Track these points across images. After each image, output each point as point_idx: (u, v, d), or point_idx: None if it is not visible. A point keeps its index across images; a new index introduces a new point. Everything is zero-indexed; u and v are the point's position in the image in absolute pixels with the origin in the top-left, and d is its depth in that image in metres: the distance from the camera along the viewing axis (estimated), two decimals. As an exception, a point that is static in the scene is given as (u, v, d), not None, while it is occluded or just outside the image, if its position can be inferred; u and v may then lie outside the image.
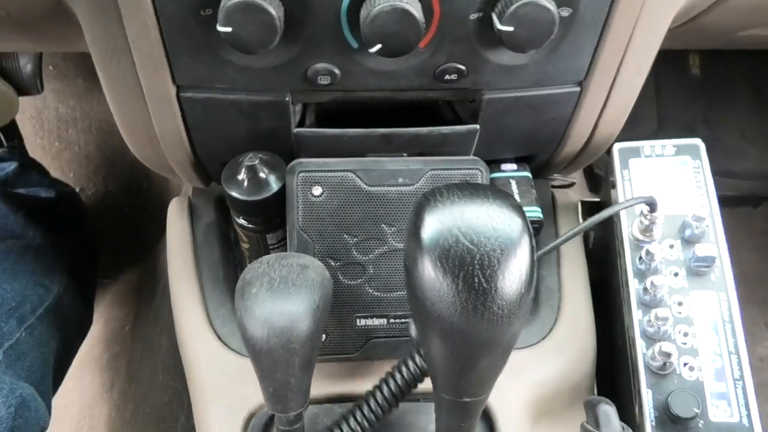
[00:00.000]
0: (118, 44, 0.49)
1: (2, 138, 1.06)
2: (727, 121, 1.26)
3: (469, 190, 0.39)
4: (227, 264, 0.66)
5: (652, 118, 1.27)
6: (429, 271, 0.36)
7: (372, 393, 0.47)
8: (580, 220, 0.73)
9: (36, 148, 1.34)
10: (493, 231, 0.36)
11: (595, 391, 0.68)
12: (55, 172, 1.30)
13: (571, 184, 0.83)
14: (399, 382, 0.46)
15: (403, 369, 0.46)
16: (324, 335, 0.55)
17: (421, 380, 0.47)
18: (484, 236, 0.36)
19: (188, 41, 0.48)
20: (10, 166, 0.98)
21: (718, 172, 1.26)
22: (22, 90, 1.05)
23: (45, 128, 1.37)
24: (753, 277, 1.26)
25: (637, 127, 1.25)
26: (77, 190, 1.31)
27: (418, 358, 0.46)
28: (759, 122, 1.25)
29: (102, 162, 1.35)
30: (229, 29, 0.44)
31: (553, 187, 0.77)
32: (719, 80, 1.28)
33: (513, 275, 0.36)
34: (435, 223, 0.37)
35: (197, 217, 0.69)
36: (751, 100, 1.26)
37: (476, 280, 0.36)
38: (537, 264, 0.69)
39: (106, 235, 1.25)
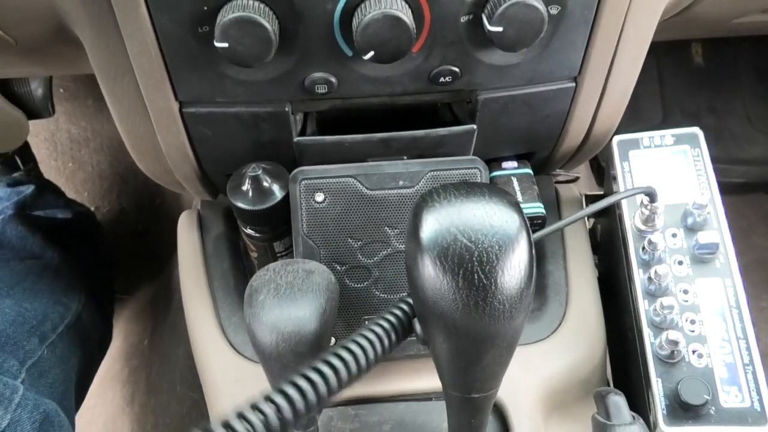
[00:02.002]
0: (121, 64, 0.50)
1: (19, 161, 1.09)
2: (732, 109, 1.25)
3: (465, 189, 0.39)
4: (237, 273, 0.67)
5: (656, 109, 1.27)
6: (429, 270, 0.37)
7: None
8: (585, 214, 0.73)
9: (51, 169, 1.37)
10: (491, 228, 0.37)
11: (611, 384, 0.68)
12: (69, 193, 1.32)
13: (575, 179, 0.83)
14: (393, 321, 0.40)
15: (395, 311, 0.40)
16: (333, 339, 0.56)
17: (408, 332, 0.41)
18: (481, 233, 0.36)
19: (187, 58, 0.49)
20: (28, 189, 1.00)
21: (726, 160, 1.26)
22: (34, 114, 1.07)
23: (58, 150, 1.40)
24: (768, 263, 1.25)
25: (642, 118, 1.25)
26: (92, 209, 1.34)
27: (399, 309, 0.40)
28: (765, 108, 1.24)
29: (115, 180, 1.38)
30: (225, 45, 0.45)
31: (558, 182, 0.77)
32: (723, 68, 1.27)
33: (512, 270, 0.37)
34: (433, 223, 0.37)
35: (206, 229, 0.70)
36: (755, 86, 1.25)
37: (476, 277, 0.36)
38: (544, 259, 0.70)
39: (122, 252, 1.28)
